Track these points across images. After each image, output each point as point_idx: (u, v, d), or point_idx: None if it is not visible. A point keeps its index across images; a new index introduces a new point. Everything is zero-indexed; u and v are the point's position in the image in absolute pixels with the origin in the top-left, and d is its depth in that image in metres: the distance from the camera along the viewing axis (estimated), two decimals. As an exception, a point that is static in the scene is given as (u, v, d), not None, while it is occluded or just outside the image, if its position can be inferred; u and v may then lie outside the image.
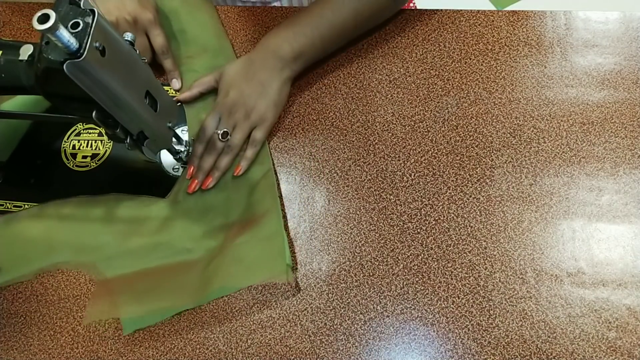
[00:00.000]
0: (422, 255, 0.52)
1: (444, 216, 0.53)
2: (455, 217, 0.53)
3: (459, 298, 0.50)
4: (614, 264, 0.49)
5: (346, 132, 0.58)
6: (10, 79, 0.43)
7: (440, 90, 0.59)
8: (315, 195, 0.56)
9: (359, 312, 0.50)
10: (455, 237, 0.52)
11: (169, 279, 0.53)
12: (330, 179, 0.56)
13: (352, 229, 0.54)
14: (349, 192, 0.55)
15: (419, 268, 0.51)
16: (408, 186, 0.55)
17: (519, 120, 0.56)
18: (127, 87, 0.42)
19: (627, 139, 0.54)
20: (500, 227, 0.52)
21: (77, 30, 0.36)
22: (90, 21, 0.36)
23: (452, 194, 0.54)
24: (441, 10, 0.63)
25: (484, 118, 0.57)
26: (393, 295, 0.51)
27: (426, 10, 0.64)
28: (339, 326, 0.50)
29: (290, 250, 0.53)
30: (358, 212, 0.54)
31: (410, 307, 0.50)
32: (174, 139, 0.54)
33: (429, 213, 0.54)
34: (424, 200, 0.54)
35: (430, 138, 0.57)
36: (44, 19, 0.32)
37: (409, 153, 0.57)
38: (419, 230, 0.53)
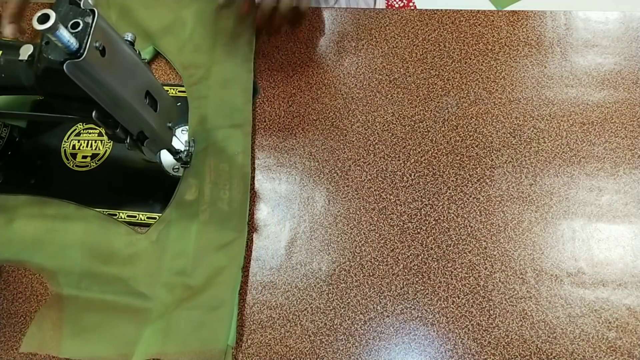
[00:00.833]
0: (422, 255, 0.52)
1: (444, 216, 0.53)
2: (455, 217, 0.53)
3: (459, 298, 0.50)
4: (614, 264, 0.49)
5: (346, 132, 0.58)
6: (10, 79, 0.43)
7: (440, 90, 0.59)
8: (315, 195, 0.56)
9: (359, 312, 0.50)
10: (455, 237, 0.52)
11: (115, 320, 0.52)
12: (330, 179, 0.56)
13: (352, 229, 0.54)
14: (349, 192, 0.55)
15: (419, 268, 0.51)
16: (408, 186, 0.55)
17: (519, 120, 0.56)
18: (127, 87, 0.42)
19: (627, 139, 0.54)
20: (500, 227, 0.52)
21: (77, 30, 0.36)
22: (90, 21, 0.36)
23: (452, 194, 0.54)
24: (441, 10, 0.63)
25: (484, 118, 0.57)
26: (393, 295, 0.51)
27: (426, 10, 0.64)
28: (339, 326, 0.50)
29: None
30: (358, 212, 0.54)
31: (410, 307, 0.50)
32: (174, 139, 0.54)
33: (429, 213, 0.54)
34: (424, 200, 0.54)
35: (430, 138, 0.57)
36: (44, 19, 0.32)
37: (409, 153, 0.57)
38: (419, 230, 0.53)
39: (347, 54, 0.62)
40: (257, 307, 0.52)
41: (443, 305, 0.50)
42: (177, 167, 0.59)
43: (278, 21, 0.58)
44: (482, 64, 0.60)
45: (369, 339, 0.49)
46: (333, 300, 0.51)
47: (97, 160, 0.61)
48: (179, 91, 0.63)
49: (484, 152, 0.56)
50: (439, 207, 0.54)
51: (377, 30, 0.63)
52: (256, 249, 0.54)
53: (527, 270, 0.50)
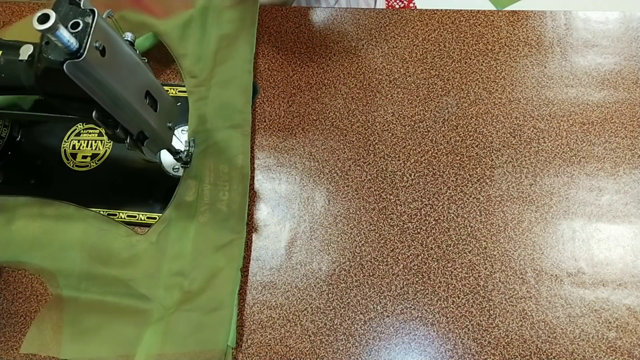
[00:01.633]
0: (422, 255, 0.52)
1: (444, 216, 0.53)
2: (455, 217, 0.53)
3: (459, 298, 0.50)
4: (614, 264, 0.49)
5: (346, 132, 0.58)
6: (10, 79, 0.43)
7: (440, 90, 0.59)
8: (315, 195, 0.56)
9: (359, 312, 0.50)
10: (455, 237, 0.52)
11: (115, 322, 0.52)
12: (330, 179, 0.56)
13: (352, 229, 0.54)
14: (349, 192, 0.55)
15: (419, 268, 0.51)
16: (408, 186, 0.55)
17: (519, 120, 0.56)
18: (127, 87, 0.42)
19: (627, 139, 0.54)
20: (500, 227, 0.52)
21: (77, 30, 0.36)
22: (90, 21, 0.36)
23: (452, 194, 0.54)
24: (441, 10, 0.63)
25: (484, 118, 0.57)
26: (393, 295, 0.51)
27: (426, 10, 0.64)
28: (339, 326, 0.50)
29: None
30: (358, 212, 0.54)
31: (410, 307, 0.50)
32: (174, 139, 0.54)
33: (429, 213, 0.54)
34: (424, 200, 0.54)
35: (430, 138, 0.57)
36: (44, 19, 0.32)
37: (409, 153, 0.57)
38: (419, 230, 0.53)
39: (347, 54, 0.62)
40: (257, 307, 0.52)
41: (443, 305, 0.50)
42: (177, 167, 0.59)
43: None
44: (482, 64, 0.60)
45: (369, 339, 0.49)
46: (333, 300, 0.51)
47: (97, 160, 0.61)
48: (179, 91, 0.63)
49: (484, 152, 0.56)
50: (439, 207, 0.54)
51: (377, 30, 0.63)
52: (256, 249, 0.54)
53: (527, 270, 0.50)
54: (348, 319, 0.50)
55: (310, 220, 0.55)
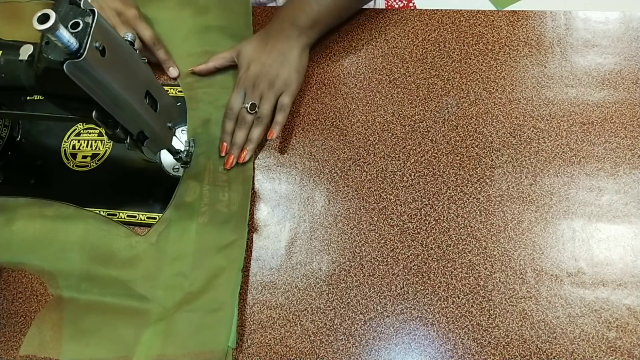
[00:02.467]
0: (422, 255, 0.52)
1: (444, 216, 0.53)
2: (455, 217, 0.53)
3: (459, 298, 0.50)
4: (614, 264, 0.49)
5: (346, 132, 0.58)
6: (10, 79, 0.43)
7: (440, 90, 0.59)
8: (315, 195, 0.56)
9: (359, 312, 0.50)
10: (455, 237, 0.52)
11: (115, 323, 0.52)
12: (330, 179, 0.56)
13: (352, 229, 0.54)
14: (349, 192, 0.55)
15: (419, 268, 0.51)
16: (408, 186, 0.55)
17: (519, 120, 0.56)
18: (127, 87, 0.42)
19: (627, 139, 0.54)
20: (500, 227, 0.52)
21: (77, 30, 0.36)
22: (90, 21, 0.36)
23: (452, 194, 0.54)
24: (441, 10, 0.63)
25: (484, 118, 0.57)
26: (393, 295, 0.51)
27: (426, 10, 0.64)
28: (339, 326, 0.50)
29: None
30: (358, 212, 0.54)
31: (410, 307, 0.50)
32: (174, 139, 0.54)
33: (429, 213, 0.54)
34: (424, 200, 0.54)
35: (430, 138, 0.57)
36: (44, 19, 0.32)
37: (409, 153, 0.57)
38: (419, 230, 0.53)
39: (347, 54, 0.62)
40: (257, 307, 0.52)
41: (443, 305, 0.50)
42: (177, 167, 0.59)
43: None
44: (482, 64, 0.60)
45: (369, 339, 0.49)
46: (333, 300, 0.51)
47: (97, 160, 0.61)
48: (179, 91, 0.63)
49: (484, 152, 0.56)
50: (439, 207, 0.54)
51: (377, 30, 0.63)
52: (256, 249, 0.54)
53: (527, 270, 0.50)
54: (348, 319, 0.50)
55: (310, 220, 0.55)
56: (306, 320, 0.50)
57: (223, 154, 0.57)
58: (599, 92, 0.57)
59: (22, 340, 0.52)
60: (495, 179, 0.54)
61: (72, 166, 0.61)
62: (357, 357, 0.49)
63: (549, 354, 0.47)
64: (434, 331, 0.49)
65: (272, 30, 0.59)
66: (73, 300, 0.53)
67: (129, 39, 0.43)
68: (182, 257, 0.54)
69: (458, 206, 0.53)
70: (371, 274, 0.52)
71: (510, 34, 0.61)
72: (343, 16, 0.61)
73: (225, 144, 0.57)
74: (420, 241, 0.52)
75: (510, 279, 0.50)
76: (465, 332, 0.48)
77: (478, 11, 0.63)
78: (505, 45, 0.61)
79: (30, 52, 0.42)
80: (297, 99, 0.61)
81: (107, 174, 0.60)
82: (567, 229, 0.51)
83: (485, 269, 0.50)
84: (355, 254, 0.53)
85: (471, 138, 0.56)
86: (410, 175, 0.56)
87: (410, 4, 0.87)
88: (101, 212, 0.58)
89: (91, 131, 0.62)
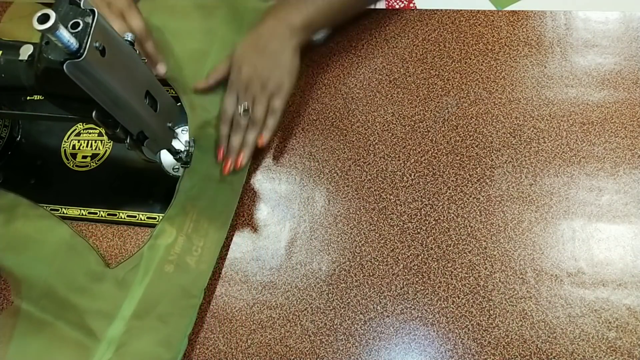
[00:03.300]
0: (422, 255, 0.52)
1: (444, 216, 0.53)
2: (455, 217, 0.53)
3: (459, 298, 0.50)
4: (614, 264, 0.49)
5: (346, 132, 0.58)
6: (10, 79, 0.43)
7: (440, 90, 0.59)
8: (315, 195, 0.56)
9: (359, 312, 0.50)
10: (455, 237, 0.52)
11: (58, 354, 0.51)
12: (330, 179, 0.56)
13: (352, 229, 0.54)
14: (349, 192, 0.55)
15: (419, 268, 0.51)
16: (408, 186, 0.55)
17: (519, 120, 0.56)
18: (127, 87, 0.42)
19: (627, 139, 0.54)
20: (500, 227, 0.52)
21: (77, 30, 0.36)
22: (90, 21, 0.36)
23: (452, 194, 0.54)
24: (441, 10, 0.63)
25: (484, 118, 0.57)
26: (393, 295, 0.51)
27: (426, 10, 0.64)
28: (339, 326, 0.50)
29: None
30: (358, 212, 0.54)
31: (410, 307, 0.50)
32: (174, 139, 0.54)
33: (429, 213, 0.54)
34: (424, 200, 0.54)
35: (430, 138, 0.57)
36: (44, 19, 0.32)
37: (409, 153, 0.57)
38: (419, 230, 0.53)
39: (347, 54, 0.62)
40: (257, 307, 0.52)
41: (443, 305, 0.50)
42: (177, 167, 0.59)
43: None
44: (482, 64, 0.60)
45: (369, 339, 0.49)
46: (333, 300, 0.51)
47: (97, 160, 0.61)
48: (179, 91, 0.63)
49: (484, 152, 0.56)
50: (439, 207, 0.54)
51: (377, 30, 0.63)
52: (256, 249, 0.54)
53: (527, 270, 0.50)
54: (348, 319, 0.50)
55: (310, 220, 0.55)
56: (306, 320, 0.50)
57: (219, 161, 0.56)
58: (599, 92, 0.57)
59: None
60: (495, 179, 0.54)
61: (72, 166, 0.61)
62: (357, 357, 0.49)
63: (549, 354, 0.47)
64: (434, 331, 0.49)
65: (264, 28, 0.57)
66: (29, 315, 0.53)
67: (129, 39, 0.43)
68: (141, 302, 0.52)
69: (458, 206, 0.53)
70: (371, 274, 0.52)
71: (510, 34, 0.61)
72: (338, 19, 0.60)
73: (221, 149, 0.57)
74: (420, 241, 0.52)
75: (510, 279, 0.50)
76: (465, 332, 0.48)
77: (478, 11, 0.63)
78: (505, 45, 0.61)
79: (30, 52, 0.42)
80: (297, 99, 0.61)
81: (107, 174, 0.60)
82: (567, 229, 0.51)
83: (485, 269, 0.50)
84: (355, 254, 0.53)
85: (471, 138, 0.56)
86: (410, 175, 0.56)
87: (411, 4, 0.87)
88: (101, 212, 0.58)
89: (91, 131, 0.62)
